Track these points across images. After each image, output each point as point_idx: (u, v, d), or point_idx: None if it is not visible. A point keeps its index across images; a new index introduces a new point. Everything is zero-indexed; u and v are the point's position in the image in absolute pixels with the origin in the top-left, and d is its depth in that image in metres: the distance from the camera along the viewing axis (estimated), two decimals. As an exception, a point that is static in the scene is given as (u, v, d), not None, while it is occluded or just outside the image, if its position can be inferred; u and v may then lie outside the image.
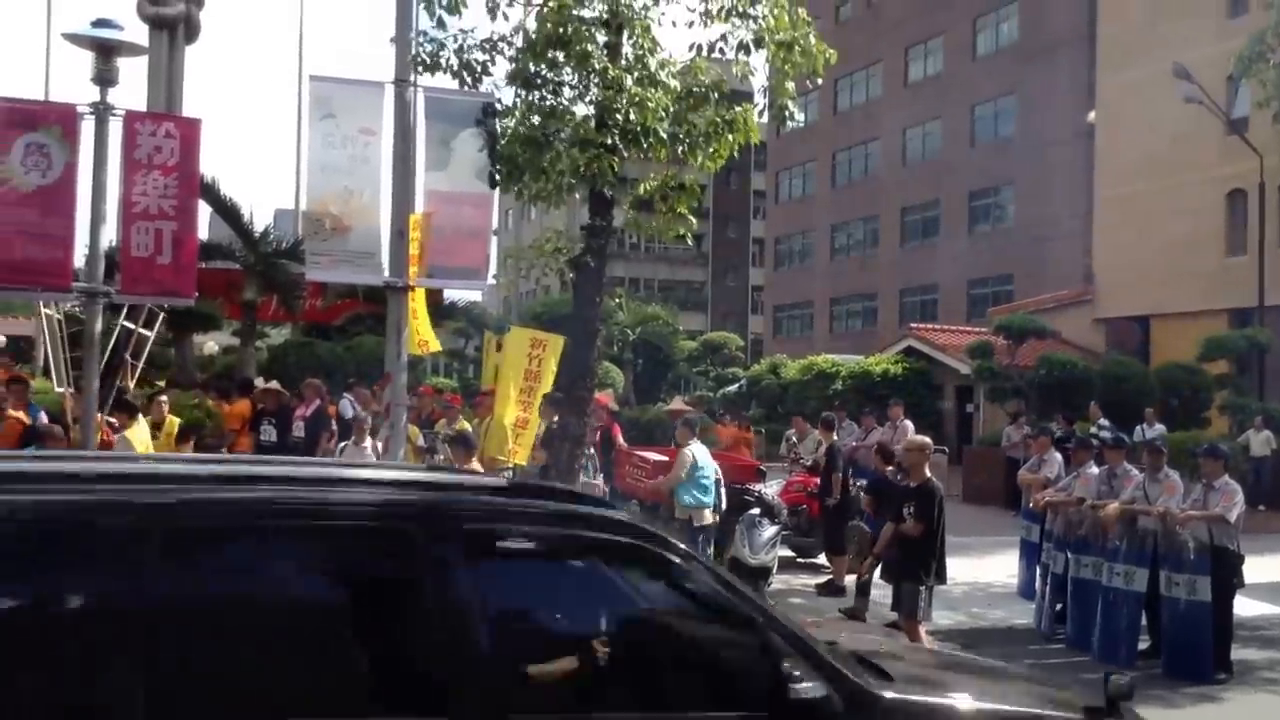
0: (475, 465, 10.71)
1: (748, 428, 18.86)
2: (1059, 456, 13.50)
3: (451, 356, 46.36)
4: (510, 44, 11.11)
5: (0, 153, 10.20)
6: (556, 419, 14.05)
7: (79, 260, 11.71)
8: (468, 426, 14.82)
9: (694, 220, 12.32)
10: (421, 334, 14.31)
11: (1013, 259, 41.35)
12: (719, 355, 45.45)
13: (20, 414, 12.55)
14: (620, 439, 16.41)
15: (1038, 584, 12.40)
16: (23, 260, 10.34)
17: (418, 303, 14.39)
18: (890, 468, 13.05)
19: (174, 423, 13.59)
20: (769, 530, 12.49)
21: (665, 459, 15.01)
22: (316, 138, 11.03)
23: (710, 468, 12.43)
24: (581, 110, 11.28)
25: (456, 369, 46.32)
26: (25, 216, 10.29)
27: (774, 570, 12.66)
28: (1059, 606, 11.88)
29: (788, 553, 14.64)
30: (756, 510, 12.70)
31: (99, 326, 11.20)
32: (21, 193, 10.27)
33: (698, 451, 12.34)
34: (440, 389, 25.40)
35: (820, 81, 12.17)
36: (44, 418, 13.02)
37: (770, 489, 13.68)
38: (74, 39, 10.44)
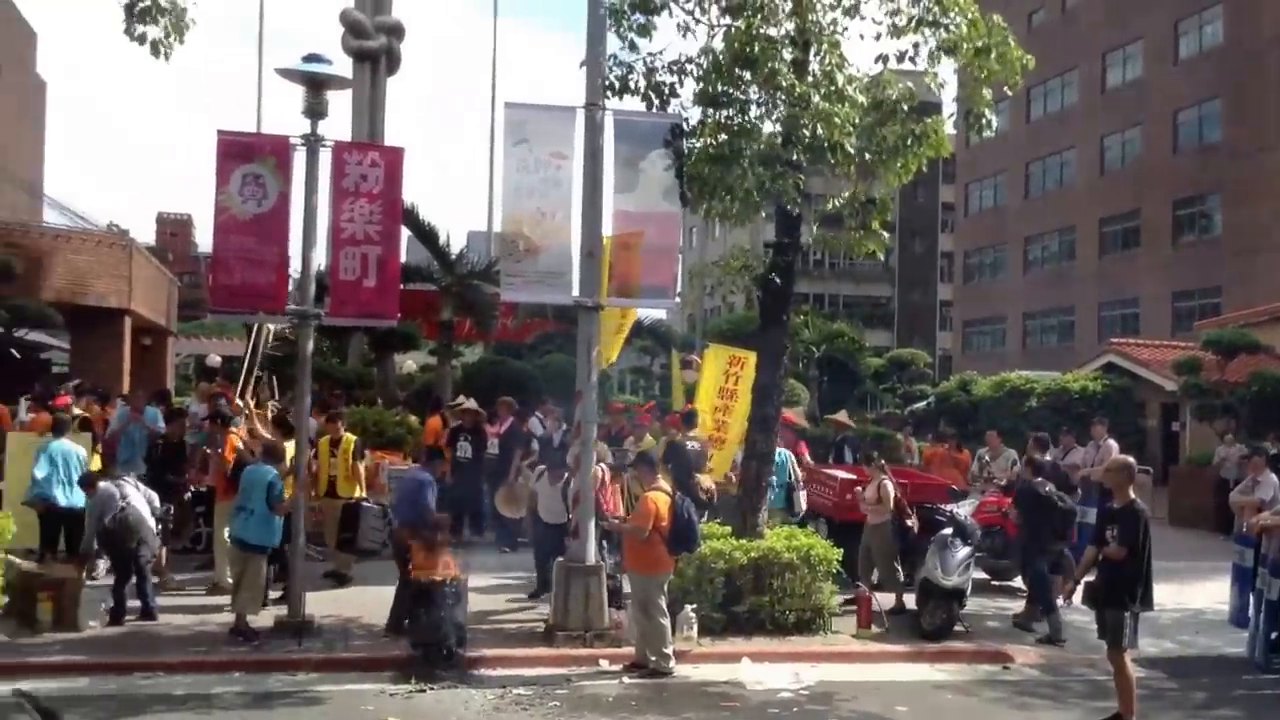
0: (663, 484, 10.80)
1: (958, 447, 18.34)
2: (1275, 478, 12.80)
3: (637, 374, 46.90)
4: (698, 65, 11.20)
5: (221, 183, 10.87)
6: (680, 434, 14.17)
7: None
8: (653, 442, 14.97)
9: (885, 236, 12.15)
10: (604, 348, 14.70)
11: (1221, 270, 39.23)
12: (906, 372, 44.56)
13: (242, 431, 13.32)
14: (807, 456, 16.28)
15: (1251, 611, 11.73)
16: (241, 284, 11.00)
17: (626, 319, 14.84)
18: (1038, 479, 12.73)
19: (351, 440, 14.07)
20: (962, 551, 12.18)
21: (852, 476, 14.83)
22: (511, 162, 11.36)
23: (781, 473, 13.33)
24: (768, 128, 11.28)
25: (643, 386, 46.78)
26: (243, 243, 10.95)
27: (967, 593, 12.34)
28: (1274, 635, 11.23)
29: (981, 575, 14.24)
30: (949, 530, 12.40)
31: (310, 347, 11.78)
32: (240, 221, 10.92)
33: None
34: (629, 407, 25.68)
35: (1020, 84, 11.83)
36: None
37: (964, 509, 13.33)
38: (286, 74, 11.03)
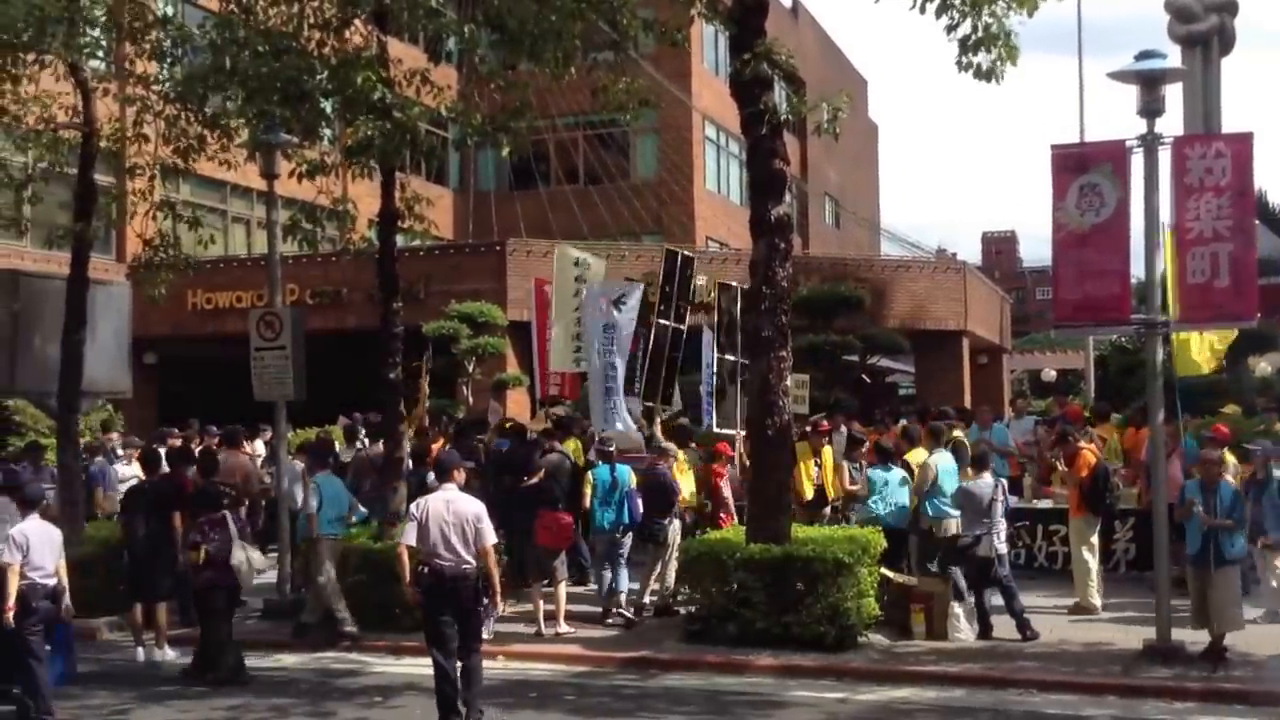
0: None
1: None
2: None
3: None
4: None
5: (1057, 198, 10.89)
6: None
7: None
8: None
9: None
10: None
11: None
12: None
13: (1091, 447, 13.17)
14: None
15: None
16: (1083, 298, 10.97)
17: None
18: None
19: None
20: None
21: None
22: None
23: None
24: None
25: None
26: (1083, 256, 10.90)
27: None
28: None
29: None
30: None
31: (1160, 357, 11.17)
32: (1078, 233, 10.89)
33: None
34: None
35: None
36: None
37: None
38: (1120, 76, 10.66)
